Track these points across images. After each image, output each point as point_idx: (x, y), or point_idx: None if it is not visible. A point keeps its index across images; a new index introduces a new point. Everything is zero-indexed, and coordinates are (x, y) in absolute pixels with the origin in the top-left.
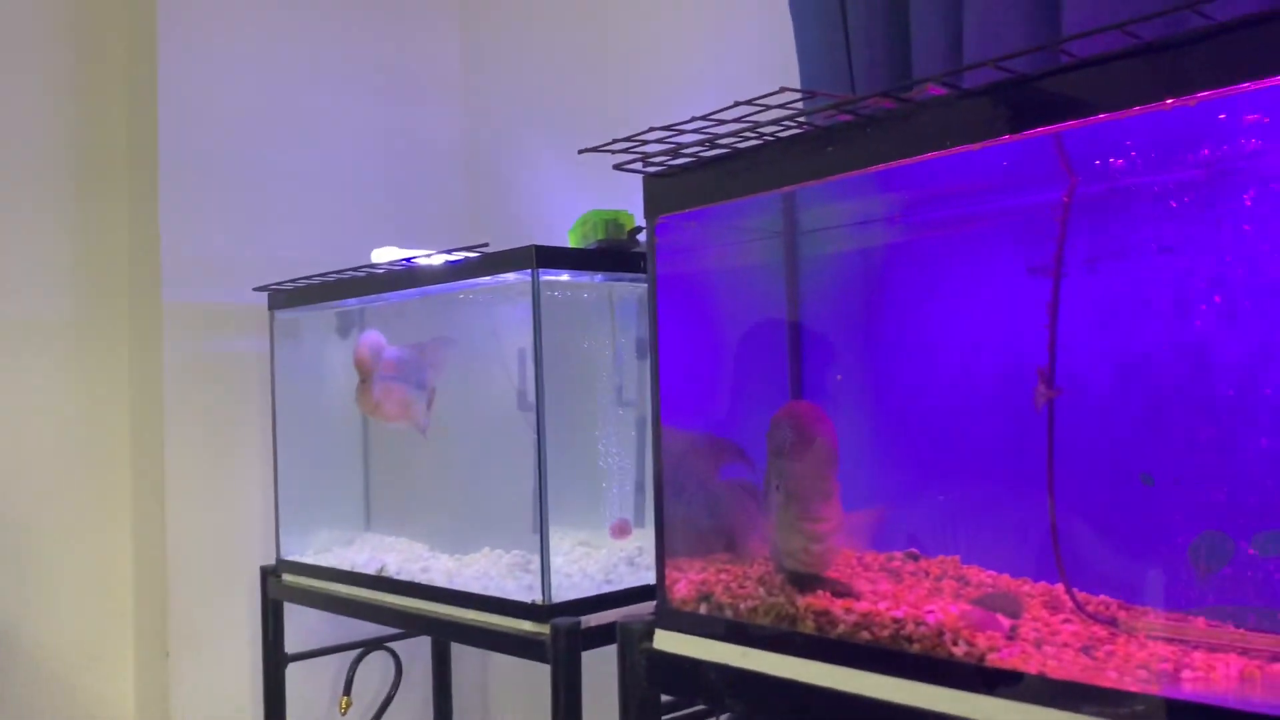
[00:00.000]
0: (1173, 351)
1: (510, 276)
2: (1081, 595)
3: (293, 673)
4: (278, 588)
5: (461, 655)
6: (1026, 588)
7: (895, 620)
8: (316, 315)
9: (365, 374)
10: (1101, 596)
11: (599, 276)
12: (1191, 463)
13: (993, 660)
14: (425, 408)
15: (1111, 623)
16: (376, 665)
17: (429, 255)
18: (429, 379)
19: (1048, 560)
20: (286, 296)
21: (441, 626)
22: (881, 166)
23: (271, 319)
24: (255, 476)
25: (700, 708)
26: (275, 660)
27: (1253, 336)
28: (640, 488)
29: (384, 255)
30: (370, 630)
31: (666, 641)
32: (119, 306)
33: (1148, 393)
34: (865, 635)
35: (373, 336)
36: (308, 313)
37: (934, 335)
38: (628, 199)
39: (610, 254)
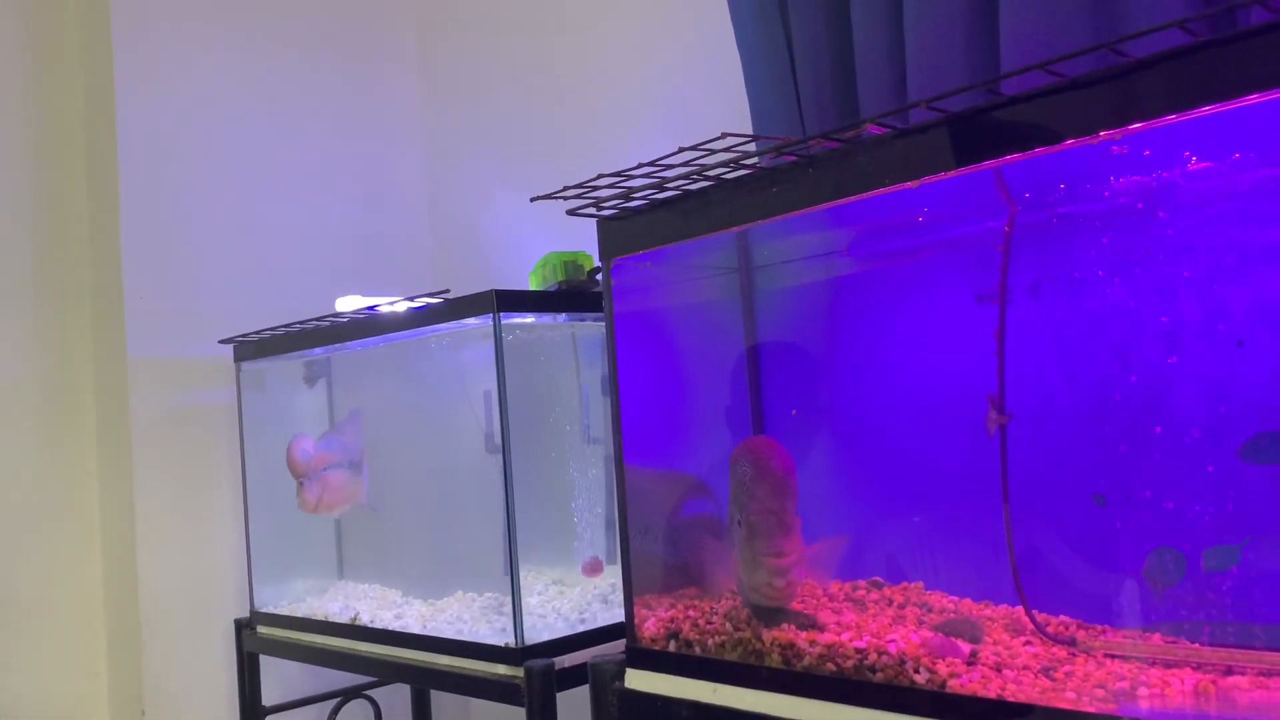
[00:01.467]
0: (1119, 373)
1: (472, 321)
2: (1042, 616)
3: None
4: (252, 640)
5: (442, 700)
6: (988, 611)
7: (858, 651)
8: (283, 365)
9: (300, 476)
10: (1061, 617)
11: (561, 317)
12: (1142, 481)
13: (953, 686)
14: (364, 484)
15: (1071, 643)
16: (357, 714)
17: (392, 303)
18: (357, 454)
19: (1008, 583)
20: (252, 348)
21: (416, 673)
22: (825, 205)
23: (238, 371)
24: (227, 529)
25: None
26: (253, 713)
27: (1196, 357)
28: (611, 525)
29: (348, 304)
30: (348, 679)
31: (638, 680)
32: (84, 363)
33: (1096, 414)
34: (830, 667)
35: (301, 441)
36: (274, 363)
37: (888, 365)
38: (587, 240)
39: (570, 295)
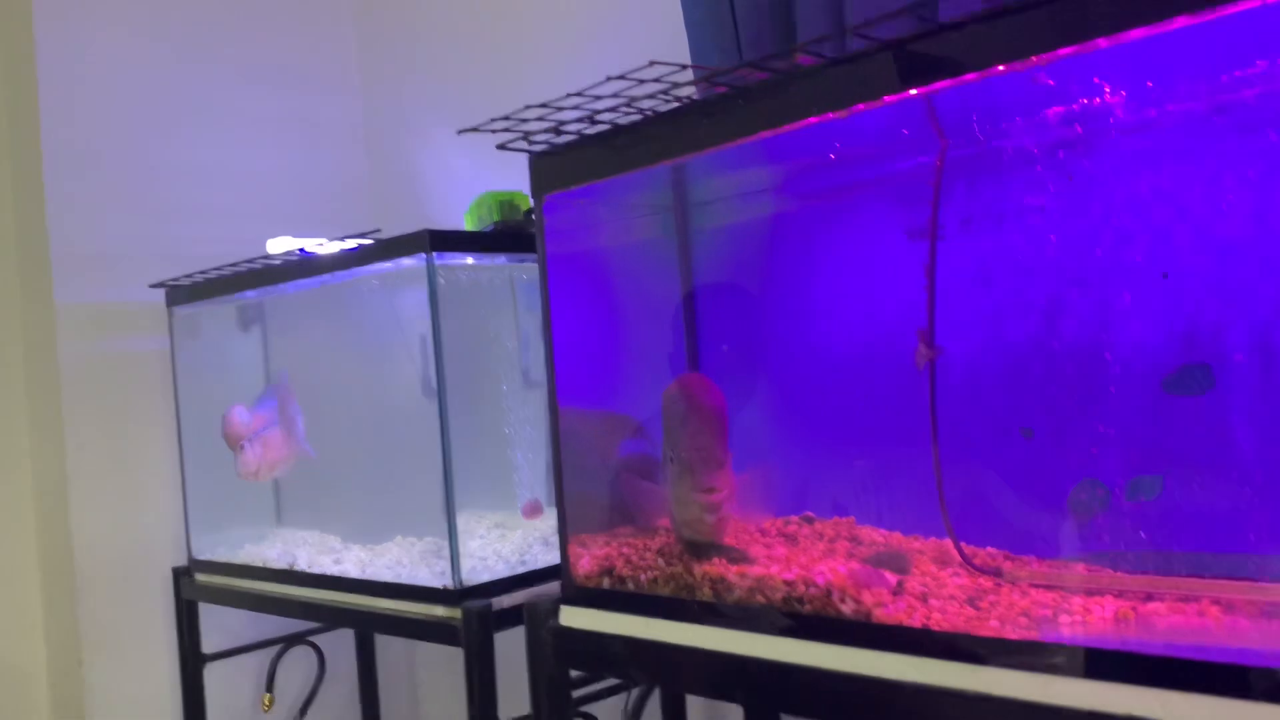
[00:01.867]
0: (1047, 307)
1: (406, 261)
2: (969, 549)
3: (213, 673)
4: (191, 588)
5: (386, 646)
6: (917, 544)
7: (787, 583)
8: (216, 310)
9: (239, 443)
10: (989, 549)
11: (501, 259)
12: (1068, 414)
13: (879, 616)
14: (301, 435)
15: (997, 573)
16: (300, 661)
17: (321, 244)
18: (290, 409)
19: (937, 517)
20: (185, 292)
21: (354, 617)
22: (758, 136)
23: (170, 315)
24: (162, 477)
25: (614, 681)
26: (193, 661)
27: (1124, 291)
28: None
29: (279, 245)
30: (290, 626)
31: (572, 617)
32: (10, 309)
33: (1024, 348)
34: (759, 599)
35: (234, 411)
36: (207, 307)
37: (821, 302)
38: (526, 181)
39: (506, 235)
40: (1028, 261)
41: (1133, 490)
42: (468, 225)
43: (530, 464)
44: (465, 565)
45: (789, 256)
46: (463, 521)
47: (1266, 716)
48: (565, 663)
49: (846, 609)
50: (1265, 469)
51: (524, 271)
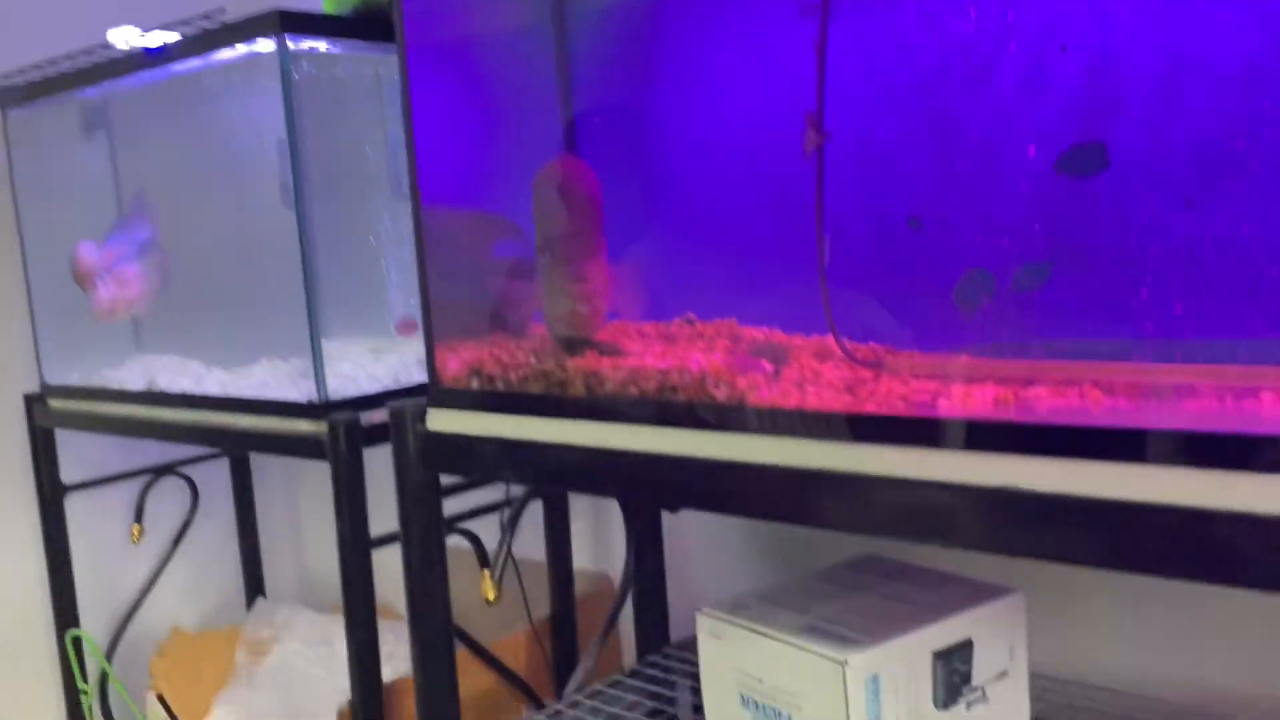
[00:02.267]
0: (939, 87)
1: (257, 48)
2: (852, 345)
3: (77, 506)
4: (44, 414)
5: (264, 479)
6: (798, 341)
7: (661, 372)
8: (56, 114)
9: (91, 281)
10: (871, 344)
11: (365, 49)
12: (957, 201)
13: (753, 400)
14: (160, 262)
15: (878, 366)
16: (172, 493)
17: (166, 26)
18: (149, 232)
19: (820, 315)
20: (18, 93)
21: (218, 435)
22: None
23: (4, 120)
24: (7, 300)
25: (493, 499)
26: (51, 492)
27: (1018, 65)
28: None
29: (121, 35)
30: (157, 456)
31: (440, 421)
32: None
33: (915, 131)
34: (633, 390)
35: (83, 246)
36: (45, 110)
37: (706, 86)
38: None
39: (370, 20)
40: (919, 38)
41: (1021, 279)
42: (326, 9)
43: (405, 280)
44: (334, 383)
45: (671, 37)
46: (335, 346)
47: (1136, 476)
48: (433, 468)
49: (720, 394)
50: (1154, 251)
51: (393, 70)
